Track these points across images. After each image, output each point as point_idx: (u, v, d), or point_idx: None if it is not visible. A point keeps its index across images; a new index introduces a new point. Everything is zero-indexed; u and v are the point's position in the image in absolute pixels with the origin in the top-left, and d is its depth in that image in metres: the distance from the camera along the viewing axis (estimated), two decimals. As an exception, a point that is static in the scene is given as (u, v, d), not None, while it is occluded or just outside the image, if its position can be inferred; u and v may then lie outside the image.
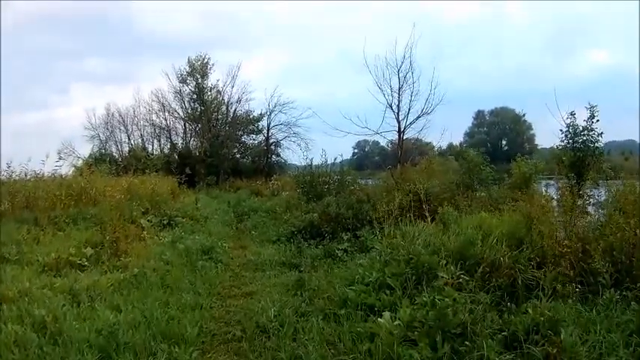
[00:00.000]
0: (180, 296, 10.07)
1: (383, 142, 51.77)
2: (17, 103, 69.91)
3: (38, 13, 72.17)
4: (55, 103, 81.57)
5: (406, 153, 24.18)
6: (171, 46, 79.39)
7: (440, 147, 32.60)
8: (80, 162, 39.66)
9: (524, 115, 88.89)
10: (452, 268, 8.67)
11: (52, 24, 74.53)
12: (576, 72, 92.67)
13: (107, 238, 13.87)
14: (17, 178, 19.76)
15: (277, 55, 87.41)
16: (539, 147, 77.28)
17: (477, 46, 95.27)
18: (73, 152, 45.45)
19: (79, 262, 12.27)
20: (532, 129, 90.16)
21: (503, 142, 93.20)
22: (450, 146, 40.54)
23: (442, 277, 8.35)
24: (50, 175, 21.58)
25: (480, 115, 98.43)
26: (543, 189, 15.22)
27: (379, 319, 7.52)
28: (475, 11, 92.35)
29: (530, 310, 7.23)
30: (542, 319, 6.94)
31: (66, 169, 25.20)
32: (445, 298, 7.46)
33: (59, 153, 21.70)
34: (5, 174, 19.74)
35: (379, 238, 12.53)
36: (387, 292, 8.72)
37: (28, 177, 20.23)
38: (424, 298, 7.76)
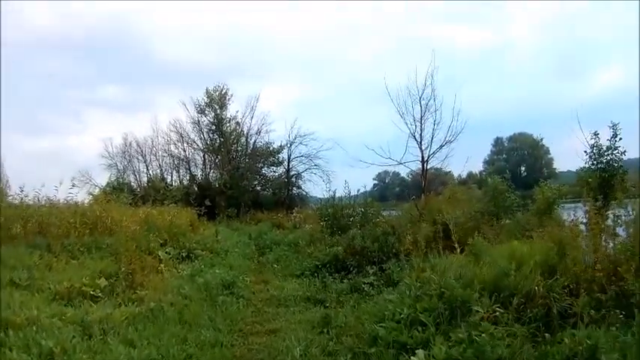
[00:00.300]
0: (199, 333, 9.56)
1: (403, 173, 51.45)
2: (29, 127, 69.75)
3: (52, 38, 72.10)
4: (68, 130, 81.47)
5: (429, 183, 23.65)
6: (188, 74, 79.03)
7: (459, 176, 32.28)
8: (97, 190, 39.33)
9: (541, 139, 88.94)
10: (486, 301, 8.31)
11: (66, 49, 74.30)
12: (587, 93, 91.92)
13: (122, 269, 13.25)
14: (30, 202, 19.40)
15: (293, 87, 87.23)
16: (557, 170, 77.74)
17: (486, 73, 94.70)
18: (90, 180, 45.22)
19: (92, 292, 11.60)
20: (549, 153, 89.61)
21: (522, 168, 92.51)
22: (470, 175, 40.00)
23: (477, 311, 8.01)
24: (64, 201, 21.22)
25: (498, 142, 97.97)
26: (566, 213, 15.03)
27: (412, 357, 7.18)
28: (486, 38, 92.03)
29: (566, 340, 7.02)
30: (580, 347, 6.76)
31: (82, 197, 24.75)
32: (482, 334, 7.16)
33: (72, 180, 21.11)
34: (17, 198, 19.46)
35: (407, 271, 12.12)
36: (420, 328, 8.19)
37: (42, 202, 19.85)
38: (460, 335, 7.40)
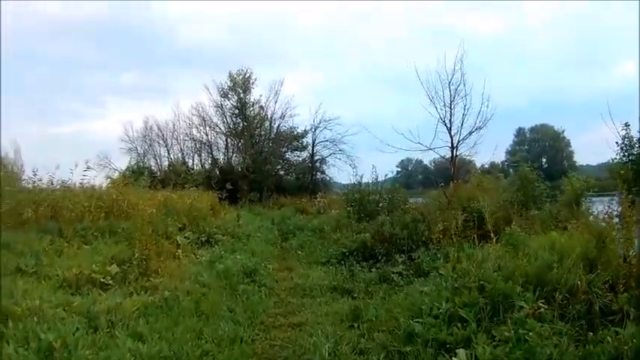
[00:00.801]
0: (217, 326, 8.76)
1: (426, 161, 50.78)
2: (49, 113, 69.77)
3: (69, 22, 71.91)
4: (90, 116, 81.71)
5: (458, 170, 23.02)
6: (210, 60, 79.10)
7: (482, 165, 31.94)
8: (116, 174, 38.94)
9: (563, 131, 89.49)
10: (530, 295, 7.74)
11: (85, 34, 74.11)
12: (607, 84, 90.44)
13: (136, 255, 12.46)
14: (43, 186, 18.89)
15: (318, 73, 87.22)
16: (577, 164, 76.66)
17: (502, 62, 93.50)
18: (109, 164, 44.90)
19: (102, 280, 10.91)
20: (570, 146, 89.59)
21: (543, 160, 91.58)
22: (492, 164, 39.31)
23: (522, 307, 7.43)
24: (80, 185, 20.70)
25: (520, 132, 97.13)
26: (594, 206, 14.50)
27: (454, 358, 6.58)
28: (499, 27, 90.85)
29: (609, 339, 6.55)
30: (625, 347, 6.29)
31: (99, 181, 24.25)
32: (529, 332, 6.61)
33: (87, 162, 20.56)
34: (30, 182, 18.99)
35: (441, 261, 11.67)
36: (459, 324, 7.48)
37: (56, 186, 19.34)
38: (506, 333, 6.79)
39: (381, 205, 20.84)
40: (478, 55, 58.59)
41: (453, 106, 21.82)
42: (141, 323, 8.40)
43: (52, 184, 19.28)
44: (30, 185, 18.62)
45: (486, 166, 33.72)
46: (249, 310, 10.09)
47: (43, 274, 10.96)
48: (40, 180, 18.98)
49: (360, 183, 24.18)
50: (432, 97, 21.94)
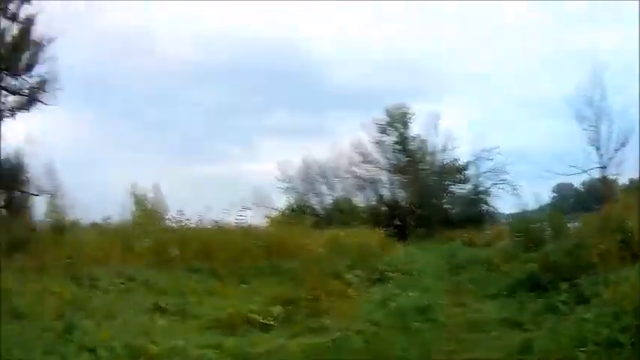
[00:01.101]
0: None
1: (576, 184, 49.48)
2: (200, 155, 72.41)
3: (223, 68, 74.79)
4: (240, 157, 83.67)
5: (602, 191, 22.66)
6: (359, 98, 79.12)
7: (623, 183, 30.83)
8: (274, 213, 39.76)
9: None
10: None
11: (235, 78, 76.62)
12: None
13: (303, 295, 12.84)
14: (192, 226, 19.71)
15: (468, 103, 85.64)
16: None
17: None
18: (266, 203, 45.76)
19: (261, 320, 11.19)
20: None
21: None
22: (632, 180, 37.52)
23: None
24: (235, 225, 21.39)
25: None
26: None
27: None
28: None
29: None
30: None
31: (257, 221, 24.98)
32: None
33: (243, 202, 21.36)
34: (175, 221, 19.87)
35: (601, 286, 11.49)
36: (617, 349, 7.53)
37: (207, 225, 20.13)
38: None
39: (545, 233, 20.59)
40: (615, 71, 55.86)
41: (598, 125, 21.58)
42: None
43: (200, 223, 20.16)
44: (174, 224, 19.50)
45: (626, 182, 32.49)
46: (422, 349, 10.03)
47: (189, 314, 11.42)
48: (188, 219, 19.90)
49: (524, 212, 24.34)
50: (580, 118, 21.80)
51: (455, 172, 52.31)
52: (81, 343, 8.30)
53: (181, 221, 20.42)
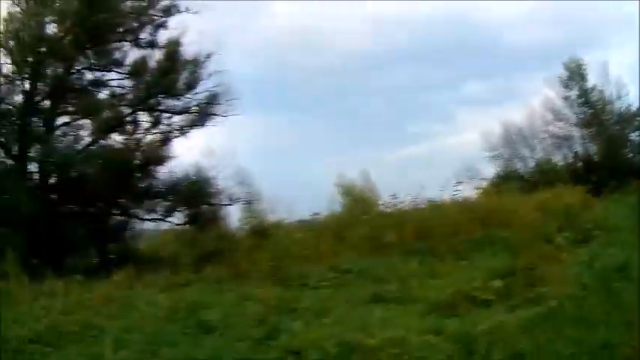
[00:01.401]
0: (595, 331, 7.70)
1: None
2: (397, 137, 71.87)
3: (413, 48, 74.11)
4: (440, 133, 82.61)
5: None
6: (538, 56, 76.34)
7: None
8: (484, 184, 39.18)
9: None
10: None
11: (418, 59, 75.81)
12: None
13: (520, 264, 11.97)
14: (406, 208, 19.42)
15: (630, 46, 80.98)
16: None
17: None
18: (476, 175, 45.14)
19: (482, 297, 10.47)
20: None
21: None
22: None
23: None
24: (449, 200, 21.00)
25: None
26: None
27: None
28: None
29: None
30: None
31: (468, 193, 24.41)
32: None
33: (455, 177, 20.87)
34: (389, 205, 19.64)
35: None
36: None
37: (421, 205, 19.81)
38: None
39: None
40: None
41: None
42: (523, 340, 7.57)
43: (415, 204, 19.84)
44: (388, 209, 19.24)
45: None
46: (622, 310, 8.76)
47: (409, 299, 10.93)
48: (402, 202, 19.59)
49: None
50: None
51: (632, 119, 49.76)
52: (285, 347, 7.90)
53: (395, 205, 20.30)
